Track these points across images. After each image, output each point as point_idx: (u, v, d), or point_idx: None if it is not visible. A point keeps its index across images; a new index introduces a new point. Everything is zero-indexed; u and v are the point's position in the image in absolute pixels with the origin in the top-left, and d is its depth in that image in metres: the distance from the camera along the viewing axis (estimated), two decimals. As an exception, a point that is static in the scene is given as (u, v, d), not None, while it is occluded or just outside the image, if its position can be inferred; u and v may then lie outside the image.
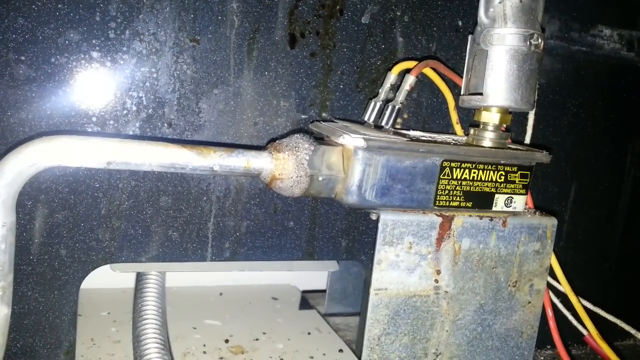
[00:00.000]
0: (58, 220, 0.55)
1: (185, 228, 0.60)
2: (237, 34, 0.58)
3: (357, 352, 0.60)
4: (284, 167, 0.51)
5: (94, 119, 0.55)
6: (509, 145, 0.60)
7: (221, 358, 0.60)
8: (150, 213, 0.58)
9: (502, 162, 0.57)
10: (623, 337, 0.82)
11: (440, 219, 0.56)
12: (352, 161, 0.52)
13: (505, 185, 0.58)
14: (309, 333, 0.67)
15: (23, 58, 0.52)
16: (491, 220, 0.58)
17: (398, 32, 0.64)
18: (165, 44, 0.56)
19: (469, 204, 0.57)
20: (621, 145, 0.79)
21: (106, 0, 0.53)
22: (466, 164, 0.55)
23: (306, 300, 0.76)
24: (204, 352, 0.60)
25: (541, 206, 0.66)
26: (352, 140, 0.52)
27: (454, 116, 0.65)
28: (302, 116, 0.62)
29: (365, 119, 0.61)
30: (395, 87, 0.60)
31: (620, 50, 0.76)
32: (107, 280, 0.67)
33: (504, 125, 0.58)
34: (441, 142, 0.56)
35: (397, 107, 0.58)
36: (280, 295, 0.77)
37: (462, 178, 0.56)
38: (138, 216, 0.58)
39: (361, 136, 0.52)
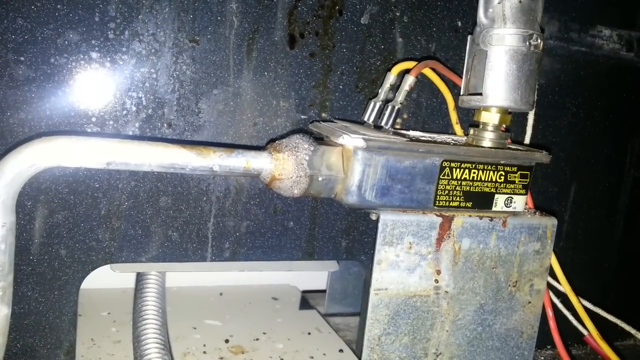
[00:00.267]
0: (58, 220, 0.55)
1: (185, 228, 0.60)
2: (237, 34, 0.58)
3: (357, 352, 0.60)
4: (284, 168, 0.51)
5: (93, 119, 0.55)
6: (509, 146, 0.60)
7: (221, 358, 0.60)
8: (150, 213, 0.58)
9: (502, 162, 0.57)
10: (623, 337, 0.82)
11: (440, 219, 0.56)
12: (352, 161, 0.52)
13: (505, 186, 0.58)
14: (309, 333, 0.67)
15: (22, 58, 0.52)
16: (491, 220, 0.58)
17: (397, 32, 0.64)
18: (165, 44, 0.56)
19: (469, 204, 0.57)
20: (621, 145, 0.79)
21: (105, 0, 0.53)
22: (466, 164, 0.55)
23: (306, 300, 0.76)
24: (204, 352, 0.60)
25: (541, 206, 0.66)
26: (351, 140, 0.52)
27: (453, 116, 0.65)
28: (302, 116, 0.62)
29: (365, 119, 0.60)
30: (395, 88, 0.60)
31: (620, 51, 0.76)
32: (107, 280, 0.67)
33: (504, 126, 0.58)
34: (441, 142, 0.56)
35: (396, 107, 0.58)
36: (280, 295, 0.77)
37: (462, 178, 0.56)
38: (138, 216, 0.58)
39: (361, 136, 0.52)
